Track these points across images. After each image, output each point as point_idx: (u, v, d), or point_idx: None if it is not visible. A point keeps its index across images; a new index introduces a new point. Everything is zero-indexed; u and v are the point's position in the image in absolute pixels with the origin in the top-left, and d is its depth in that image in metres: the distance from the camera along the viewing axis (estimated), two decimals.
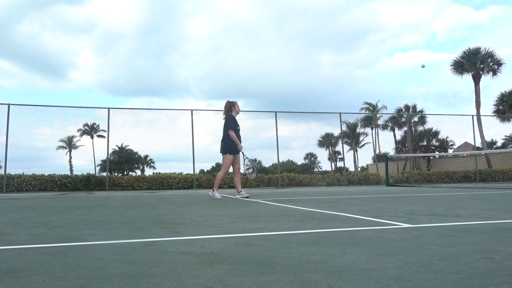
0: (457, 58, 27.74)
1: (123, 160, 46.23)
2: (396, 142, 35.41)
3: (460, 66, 27.42)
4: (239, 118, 7.18)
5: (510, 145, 39.58)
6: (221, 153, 6.95)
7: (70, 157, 34.30)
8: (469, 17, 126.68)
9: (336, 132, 38.81)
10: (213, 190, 6.97)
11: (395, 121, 35.62)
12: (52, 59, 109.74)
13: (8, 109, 13.27)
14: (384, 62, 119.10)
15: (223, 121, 7.08)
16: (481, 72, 26.89)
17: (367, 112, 44.55)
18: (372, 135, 44.02)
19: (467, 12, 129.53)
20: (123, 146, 44.95)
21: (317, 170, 54.33)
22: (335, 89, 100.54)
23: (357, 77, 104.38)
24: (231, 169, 7.15)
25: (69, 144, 43.24)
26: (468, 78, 27.62)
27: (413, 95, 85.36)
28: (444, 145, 37.46)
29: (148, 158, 49.54)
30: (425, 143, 36.87)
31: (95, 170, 28.89)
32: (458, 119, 20.65)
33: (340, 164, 50.00)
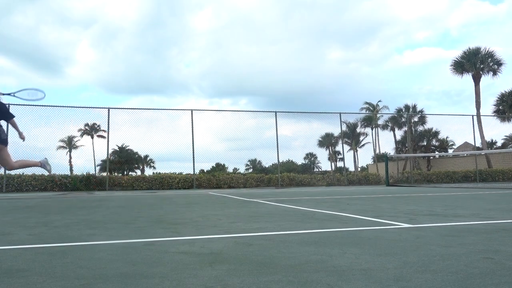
0: (457, 58, 27.70)
1: (123, 160, 46.20)
2: (396, 142, 35.35)
3: (460, 66, 27.39)
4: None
5: (510, 145, 39.59)
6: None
7: (70, 157, 34.28)
8: (485, 11, 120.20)
9: (336, 132, 38.75)
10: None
11: (395, 121, 35.58)
12: (48, 54, 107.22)
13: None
14: (393, 59, 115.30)
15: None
16: (481, 72, 26.87)
17: (367, 112, 44.57)
18: (372, 135, 43.99)
19: (483, 6, 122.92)
20: (123, 146, 44.92)
21: (317, 170, 54.23)
22: (339, 87, 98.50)
23: (362, 75, 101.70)
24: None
25: (69, 144, 43.26)
26: (468, 77, 27.62)
27: (417, 93, 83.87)
28: (444, 145, 37.43)
29: (148, 158, 49.55)
30: (425, 143, 36.82)
31: (95, 170, 28.87)
32: (458, 119, 20.63)
33: (340, 164, 49.91)
